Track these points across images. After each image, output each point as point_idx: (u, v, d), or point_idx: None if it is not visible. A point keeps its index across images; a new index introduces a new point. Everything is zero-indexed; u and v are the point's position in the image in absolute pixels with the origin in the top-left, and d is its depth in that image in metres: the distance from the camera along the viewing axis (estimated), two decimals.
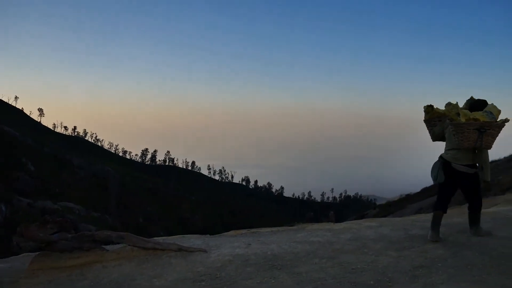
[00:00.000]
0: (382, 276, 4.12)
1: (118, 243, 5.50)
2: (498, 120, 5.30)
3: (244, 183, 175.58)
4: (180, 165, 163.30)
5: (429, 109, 5.84)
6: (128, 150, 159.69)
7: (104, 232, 5.47)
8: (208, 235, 6.73)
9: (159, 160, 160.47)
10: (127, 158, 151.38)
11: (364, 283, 3.95)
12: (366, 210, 51.89)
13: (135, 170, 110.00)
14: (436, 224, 5.55)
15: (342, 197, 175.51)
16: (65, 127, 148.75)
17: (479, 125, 5.14)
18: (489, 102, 5.55)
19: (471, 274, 4.06)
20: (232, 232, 6.86)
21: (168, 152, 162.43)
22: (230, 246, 5.53)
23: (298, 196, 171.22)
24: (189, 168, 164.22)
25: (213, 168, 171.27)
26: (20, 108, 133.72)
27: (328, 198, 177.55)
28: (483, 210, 5.82)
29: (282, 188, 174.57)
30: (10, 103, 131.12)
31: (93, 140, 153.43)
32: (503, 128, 5.28)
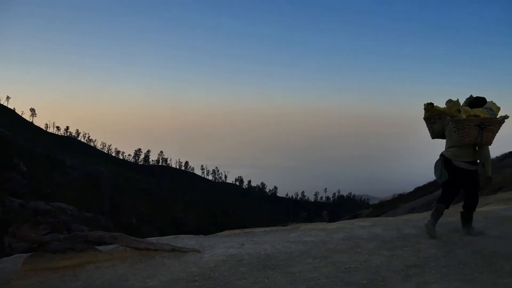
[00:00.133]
0: (375, 275, 4.13)
1: (111, 244, 5.48)
2: (497, 116, 5.35)
3: (237, 183, 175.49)
4: (174, 165, 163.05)
5: (429, 107, 5.91)
6: (121, 150, 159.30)
7: (97, 233, 5.45)
8: (201, 235, 6.72)
9: (152, 160, 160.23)
10: (120, 158, 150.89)
11: (357, 282, 3.97)
12: (359, 209, 52.12)
13: (128, 170, 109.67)
14: (435, 216, 5.65)
15: (336, 197, 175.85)
16: (58, 127, 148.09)
17: (480, 121, 5.19)
18: (488, 100, 5.62)
19: (463, 273, 4.09)
20: (225, 232, 6.86)
21: (161, 152, 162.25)
22: (223, 246, 5.53)
23: (292, 196, 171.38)
24: (183, 168, 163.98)
25: (206, 168, 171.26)
26: (12, 108, 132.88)
27: (321, 198, 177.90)
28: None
29: (275, 188, 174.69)
30: (1, 103, 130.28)
31: (86, 140, 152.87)
32: (502, 125, 5.33)
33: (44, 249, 5.03)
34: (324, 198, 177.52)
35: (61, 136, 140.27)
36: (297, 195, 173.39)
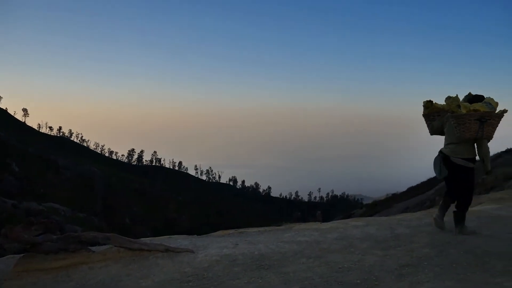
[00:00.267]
0: (369, 275, 4.14)
1: (104, 244, 5.46)
2: (496, 111, 5.42)
3: (231, 183, 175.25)
4: (167, 165, 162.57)
5: (428, 104, 5.98)
6: (114, 150, 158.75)
7: (90, 233, 5.42)
8: (195, 235, 6.71)
9: (145, 160, 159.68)
10: (113, 159, 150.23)
11: (350, 282, 3.98)
12: (352, 209, 52.23)
13: (121, 171, 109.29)
14: (443, 209, 5.90)
15: (329, 196, 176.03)
16: (50, 128, 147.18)
17: (480, 115, 5.26)
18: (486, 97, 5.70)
19: (456, 272, 4.11)
20: (219, 232, 6.85)
21: (155, 152, 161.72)
22: (217, 247, 5.52)
23: (285, 196, 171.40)
24: (176, 168, 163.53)
25: (200, 168, 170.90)
26: (4, 109, 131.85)
27: (315, 197, 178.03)
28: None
29: (269, 188, 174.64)
30: None
31: (79, 140, 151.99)
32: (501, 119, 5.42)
33: (37, 250, 5.00)
34: (317, 198, 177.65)
35: (54, 136, 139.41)
36: (291, 195, 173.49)
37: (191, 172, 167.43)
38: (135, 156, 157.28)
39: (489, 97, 5.59)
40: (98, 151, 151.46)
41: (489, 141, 5.47)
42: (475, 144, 5.52)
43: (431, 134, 6.09)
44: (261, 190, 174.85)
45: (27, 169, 55.99)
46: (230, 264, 4.73)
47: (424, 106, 6.05)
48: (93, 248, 5.40)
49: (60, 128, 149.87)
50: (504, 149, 29.51)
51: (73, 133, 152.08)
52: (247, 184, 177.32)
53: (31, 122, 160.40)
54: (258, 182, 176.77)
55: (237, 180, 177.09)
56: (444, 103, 5.84)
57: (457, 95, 5.74)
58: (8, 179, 47.73)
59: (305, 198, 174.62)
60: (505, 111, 5.41)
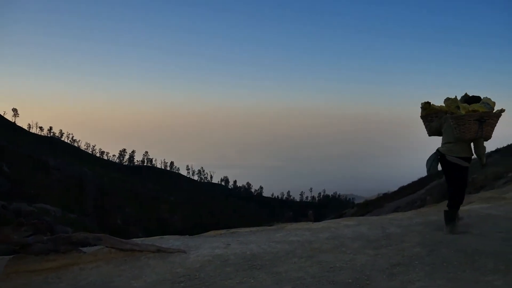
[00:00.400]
0: (360, 274, 4.16)
1: (96, 245, 5.42)
2: (494, 111, 5.52)
3: (223, 183, 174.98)
4: (159, 166, 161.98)
5: (426, 106, 6.07)
6: (106, 150, 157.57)
7: (81, 234, 5.39)
8: (187, 235, 6.69)
9: (137, 160, 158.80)
10: (105, 159, 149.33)
11: (342, 281, 3.99)
12: (344, 209, 52.31)
13: (112, 171, 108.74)
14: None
15: (321, 196, 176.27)
16: (41, 128, 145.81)
17: (479, 116, 5.35)
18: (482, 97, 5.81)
19: (447, 271, 4.13)
20: (211, 233, 6.84)
21: (146, 152, 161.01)
22: (209, 247, 5.51)
23: (277, 196, 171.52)
24: (168, 168, 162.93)
25: (192, 168, 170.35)
26: None
27: (307, 197, 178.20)
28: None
29: (261, 188, 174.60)
30: None
31: (70, 140, 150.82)
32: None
33: (27, 251, 4.96)
34: (309, 198, 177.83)
35: (44, 136, 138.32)
36: (283, 195, 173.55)
37: (183, 172, 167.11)
38: (127, 156, 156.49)
39: (486, 97, 5.70)
40: (89, 151, 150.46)
41: (487, 140, 5.57)
42: (472, 143, 5.62)
43: (430, 135, 6.19)
44: (253, 190, 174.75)
45: (17, 170, 55.49)
46: (222, 264, 4.72)
47: (422, 108, 6.14)
48: (84, 249, 5.37)
49: (51, 128, 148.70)
50: (497, 147, 29.79)
51: (63, 133, 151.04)
52: (239, 184, 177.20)
53: (21, 122, 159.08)
54: (250, 182, 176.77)
55: (229, 180, 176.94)
56: (442, 105, 5.94)
57: (456, 96, 5.82)
58: None
59: (297, 198, 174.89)
60: (502, 110, 5.51)
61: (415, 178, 38.44)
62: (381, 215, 9.87)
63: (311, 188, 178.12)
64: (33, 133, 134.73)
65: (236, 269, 4.53)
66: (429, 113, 6.08)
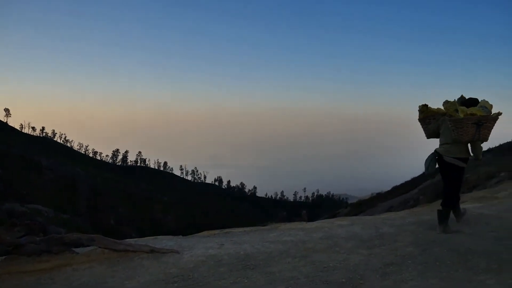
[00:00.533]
0: (354, 274, 4.17)
1: (89, 246, 5.40)
2: (491, 114, 5.63)
3: (217, 183, 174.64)
4: (152, 166, 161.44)
5: (423, 108, 6.16)
6: (99, 150, 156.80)
7: (73, 235, 5.37)
8: (180, 236, 6.68)
9: (130, 160, 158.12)
10: (98, 159, 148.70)
11: (336, 281, 4.00)
12: (338, 209, 52.37)
13: (106, 171, 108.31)
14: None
15: (315, 196, 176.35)
16: (33, 128, 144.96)
17: (477, 119, 5.47)
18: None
19: (440, 270, 4.16)
20: (205, 233, 6.83)
21: (140, 152, 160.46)
22: (203, 247, 5.51)
23: (271, 196, 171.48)
24: (161, 168, 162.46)
25: (185, 168, 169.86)
26: None
27: (300, 197, 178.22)
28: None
29: (255, 188, 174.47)
30: None
31: (62, 140, 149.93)
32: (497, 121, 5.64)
33: (20, 252, 4.93)
34: (303, 198, 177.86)
35: (37, 136, 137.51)
36: (276, 195, 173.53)
37: (176, 172, 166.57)
38: (120, 157, 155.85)
39: (484, 99, 5.81)
40: (82, 151, 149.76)
41: (484, 142, 5.72)
42: (469, 144, 5.75)
43: (428, 138, 6.28)
44: (246, 190, 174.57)
45: (10, 170, 55.17)
46: (216, 264, 4.72)
47: (419, 110, 6.22)
48: (77, 250, 5.35)
49: (43, 128, 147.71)
50: (489, 147, 29.98)
51: (56, 133, 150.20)
52: (232, 184, 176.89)
53: (13, 122, 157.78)
54: (244, 182, 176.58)
55: (223, 180, 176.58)
56: (439, 107, 6.04)
57: (455, 99, 5.92)
58: None
59: (291, 198, 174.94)
60: (499, 113, 5.60)
61: (408, 178, 38.58)
62: (374, 214, 9.89)
63: (304, 188, 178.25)
64: (26, 133, 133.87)
65: (230, 269, 4.53)
66: (426, 115, 6.17)
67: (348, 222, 6.91)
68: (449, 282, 3.83)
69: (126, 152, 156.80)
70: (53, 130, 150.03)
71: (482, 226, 6.02)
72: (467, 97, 5.95)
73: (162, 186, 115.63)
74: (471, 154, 5.81)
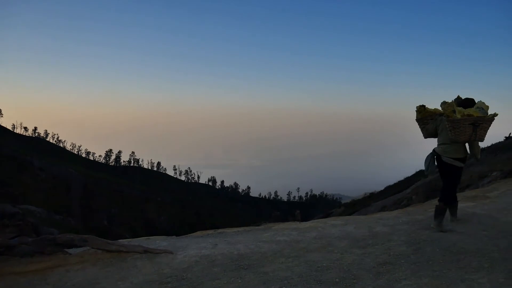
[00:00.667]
0: (347, 273, 4.19)
1: (81, 246, 5.38)
2: (488, 115, 5.74)
3: (210, 183, 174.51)
4: (146, 166, 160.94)
5: (421, 109, 6.31)
6: (92, 151, 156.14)
7: (66, 235, 5.34)
8: (174, 236, 6.67)
9: (123, 161, 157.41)
10: (91, 159, 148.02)
11: (329, 280, 4.01)
12: (331, 208, 52.49)
13: (99, 171, 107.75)
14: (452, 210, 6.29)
15: (308, 196, 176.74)
16: (25, 128, 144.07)
17: (474, 120, 5.60)
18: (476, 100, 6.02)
19: (432, 269, 4.18)
20: (198, 233, 6.82)
21: (133, 152, 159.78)
22: (196, 247, 5.50)
23: (265, 196, 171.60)
24: (155, 169, 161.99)
25: (179, 168, 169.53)
26: None
27: (294, 197, 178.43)
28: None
29: (248, 188, 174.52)
30: None
31: (55, 141, 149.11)
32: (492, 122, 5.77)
33: (11, 253, 4.90)
34: (297, 198, 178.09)
35: (29, 137, 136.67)
36: (270, 195, 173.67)
37: (170, 172, 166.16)
38: (113, 157, 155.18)
39: (480, 100, 5.92)
40: (75, 151, 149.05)
41: (480, 141, 5.82)
42: (467, 144, 5.90)
43: (425, 137, 6.42)
44: (240, 190, 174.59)
45: (2, 171, 54.77)
46: (209, 264, 4.72)
47: (417, 111, 6.36)
48: (70, 251, 5.33)
49: (36, 128, 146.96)
50: (481, 147, 30.06)
51: (49, 133, 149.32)
52: (226, 184, 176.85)
53: (5, 122, 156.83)
54: (237, 182, 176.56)
55: (216, 181, 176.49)
56: (437, 107, 6.17)
57: (452, 100, 6.03)
58: None
59: (284, 198, 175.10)
60: (495, 114, 5.72)
61: (401, 178, 38.70)
62: (367, 214, 9.92)
63: (298, 188, 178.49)
64: (18, 134, 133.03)
65: (224, 269, 4.53)
66: (424, 116, 6.30)
67: (342, 222, 6.92)
68: (442, 280, 3.85)
69: (119, 152, 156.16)
70: (46, 130, 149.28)
71: (474, 225, 6.06)
72: (463, 98, 6.05)
73: (155, 186, 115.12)
74: (469, 153, 5.96)
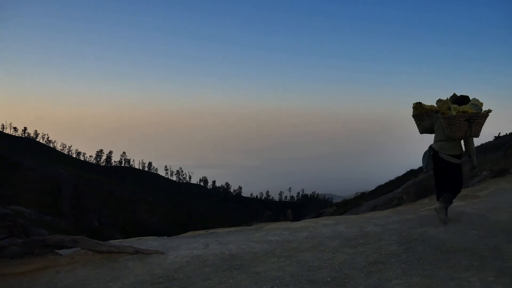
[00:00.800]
0: (339, 273, 4.20)
1: (72, 247, 5.34)
2: (482, 111, 5.89)
3: (202, 183, 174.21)
4: (137, 166, 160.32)
5: (417, 106, 6.49)
6: (82, 151, 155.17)
7: (56, 236, 5.31)
8: (165, 236, 6.66)
9: (114, 161, 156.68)
10: (81, 160, 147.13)
11: (321, 280, 4.02)
12: (323, 208, 52.59)
13: (89, 172, 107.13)
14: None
15: (300, 196, 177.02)
16: (15, 128, 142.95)
17: (468, 116, 5.75)
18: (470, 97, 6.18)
19: (423, 268, 4.20)
20: (190, 233, 6.82)
21: (124, 153, 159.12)
22: (188, 247, 5.49)
23: (256, 196, 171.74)
24: (146, 169, 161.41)
25: (170, 169, 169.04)
26: None
27: (285, 197, 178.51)
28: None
29: (240, 188, 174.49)
30: None
31: (45, 141, 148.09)
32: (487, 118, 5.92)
33: (1, 254, 4.86)
34: (288, 198, 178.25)
35: (19, 137, 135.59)
36: (262, 195, 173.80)
37: (161, 173, 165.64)
38: (104, 157, 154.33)
39: (475, 98, 6.07)
40: (65, 152, 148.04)
41: (475, 137, 5.98)
42: (462, 141, 6.05)
43: (421, 133, 6.59)
44: (231, 190, 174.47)
45: None
46: (201, 264, 4.71)
47: (413, 107, 6.53)
48: (60, 252, 5.29)
49: (25, 128, 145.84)
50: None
51: (39, 133, 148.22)
52: (217, 184, 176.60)
53: None
54: (229, 182, 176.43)
55: (208, 181, 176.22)
56: (433, 104, 6.34)
57: (447, 98, 6.19)
58: None
59: (276, 198, 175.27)
60: (489, 111, 5.87)
61: (392, 177, 38.93)
62: (359, 214, 9.96)
63: (290, 188, 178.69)
64: (7, 134, 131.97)
65: (215, 269, 4.53)
66: (420, 112, 6.46)
67: (333, 222, 6.94)
68: (432, 279, 3.88)
69: (110, 152, 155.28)
70: (36, 131, 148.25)
71: (465, 225, 6.09)
72: (459, 95, 6.21)
73: (146, 186, 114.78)
74: (464, 150, 6.09)
